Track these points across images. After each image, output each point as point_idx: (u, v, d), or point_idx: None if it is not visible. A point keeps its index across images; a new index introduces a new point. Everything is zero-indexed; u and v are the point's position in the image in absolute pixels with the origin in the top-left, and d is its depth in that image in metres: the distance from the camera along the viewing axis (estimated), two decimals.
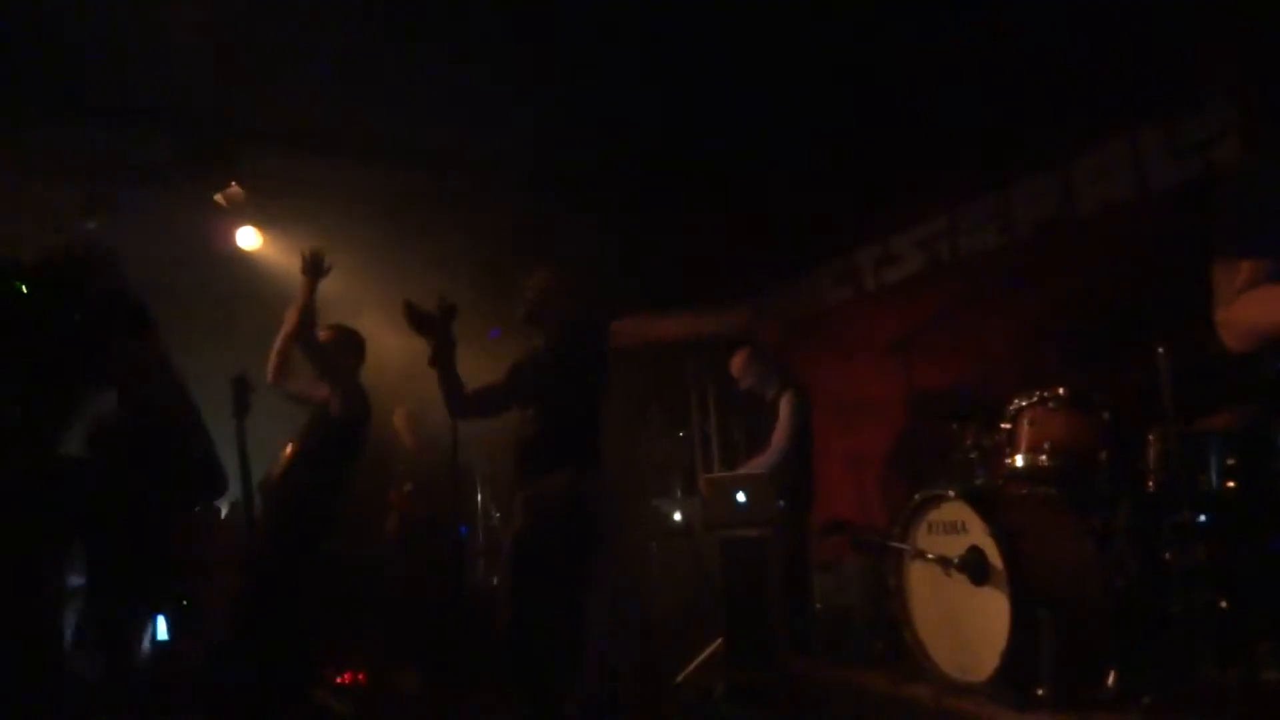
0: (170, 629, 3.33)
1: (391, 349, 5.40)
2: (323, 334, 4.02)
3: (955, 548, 3.26)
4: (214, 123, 5.65)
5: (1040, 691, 2.83)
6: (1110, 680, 2.78)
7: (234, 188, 5.92)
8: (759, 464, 4.80)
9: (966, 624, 3.21)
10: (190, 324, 5.81)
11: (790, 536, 4.66)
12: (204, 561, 3.90)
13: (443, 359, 3.32)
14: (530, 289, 3.51)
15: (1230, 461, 3.04)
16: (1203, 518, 2.87)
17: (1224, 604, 2.78)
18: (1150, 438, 3.15)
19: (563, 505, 3.19)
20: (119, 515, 1.51)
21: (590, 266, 6.45)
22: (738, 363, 5.23)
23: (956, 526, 3.31)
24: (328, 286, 6.30)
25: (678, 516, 6.36)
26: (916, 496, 3.51)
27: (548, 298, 3.47)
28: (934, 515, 3.44)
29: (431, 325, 3.30)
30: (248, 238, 6.18)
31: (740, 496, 4.49)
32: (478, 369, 3.60)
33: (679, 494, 6.51)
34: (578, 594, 3.18)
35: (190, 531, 4.00)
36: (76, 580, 2.52)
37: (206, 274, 6.49)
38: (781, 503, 4.66)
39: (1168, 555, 2.98)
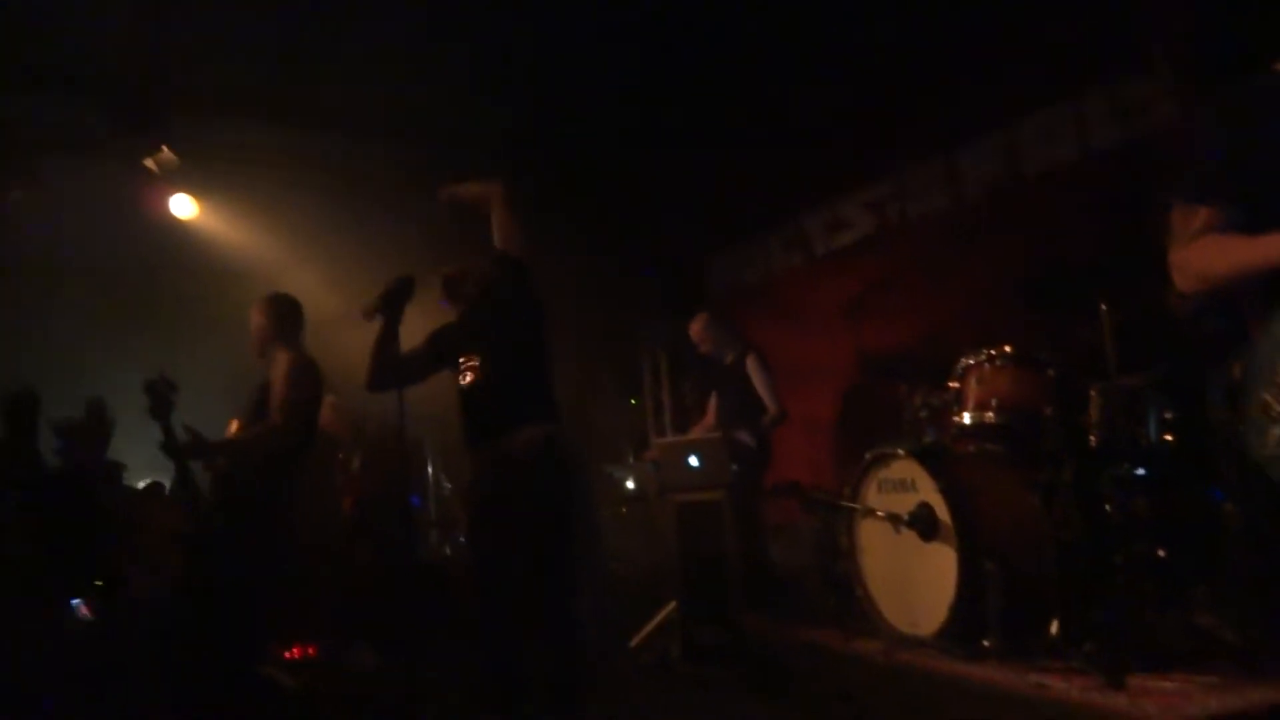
0: (95, 611, 3.22)
1: (329, 314, 5.32)
2: (262, 306, 3.87)
3: (905, 505, 3.31)
4: (143, 84, 5.40)
5: (987, 643, 2.90)
6: (1054, 629, 2.86)
7: (166, 152, 5.68)
8: (769, 420, 4.86)
9: (916, 580, 3.27)
10: (121, 295, 5.63)
11: (746, 498, 4.70)
12: (133, 543, 3.78)
13: (389, 333, 3.22)
14: (444, 277, 3.42)
15: (1168, 415, 3.13)
16: (1141, 471, 2.95)
17: (1161, 553, 2.87)
18: (1092, 393, 3.22)
19: (536, 460, 3.11)
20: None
21: (534, 235, 6.39)
22: (697, 327, 5.25)
23: (906, 484, 3.36)
24: (265, 253, 6.13)
25: (630, 484, 6.37)
26: (867, 456, 3.55)
27: (462, 280, 3.38)
28: (884, 474, 3.48)
29: (390, 303, 3.21)
30: (182, 205, 5.95)
31: (693, 460, 4.50)
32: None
33: (632, 460, 6.52)
34: (560, 553, 3.11)
35: (110, 517, 3.89)
36: None
37: (138, 244, 6.25)
38: (735, 465, 4.69)
39: (1109, 508, 3.06)
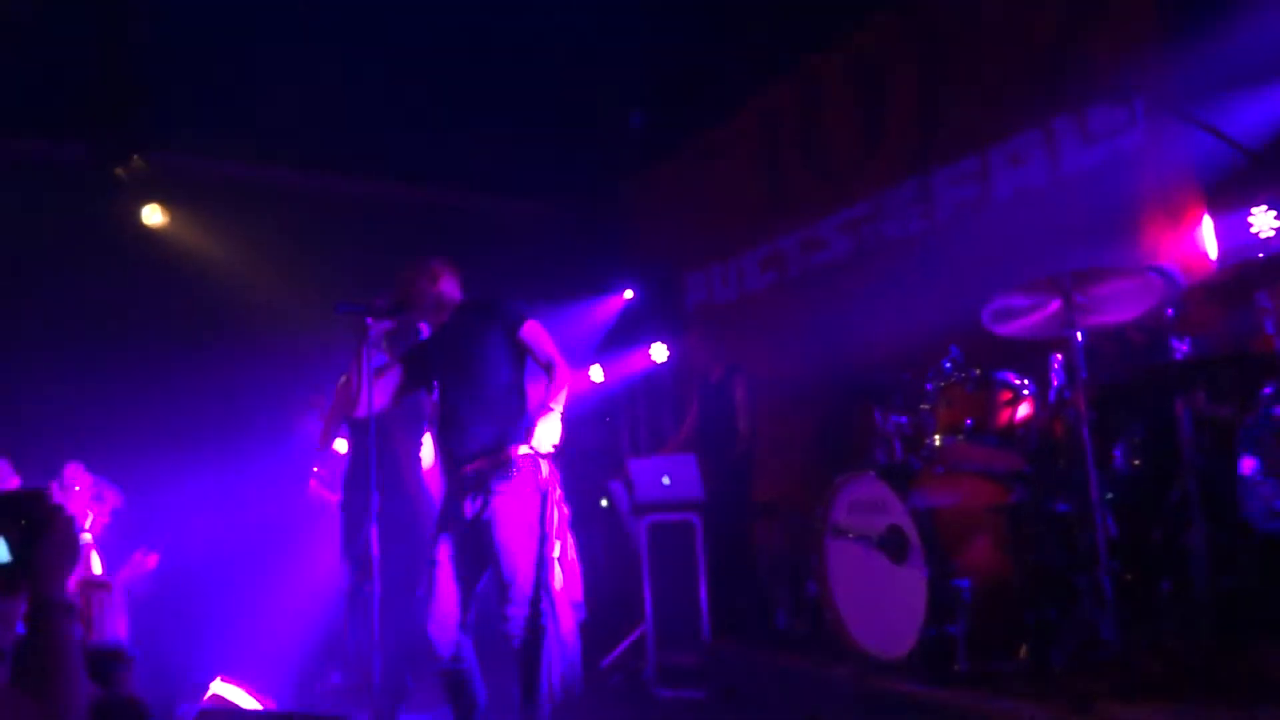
0: None
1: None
2: None
3: (875, 527, 3.30)
4: (115, 94, 5.34)
5: (956, 667, 2.88)
6: (1023, 653, 2.85)
7: (137, 161, 5.61)
8: (740, 450, 4.83)
9: (886, 602, 3.26)
10: (90, 303, 5.53)
11: (734, 517, 4.69)
12: None
13: (366, 359, 3.20)
14: (398, 281, 3.40)
15: (1136, 439, 3.15)
16: (1110, 494, 2.96)
17: (1129, 577, 2.87)
18: (1060, 416, 3.24)
19: (525, 479, 3.09)
20: None
21: (513, 258, 6.39)
22: (687, 344, 5.27)
23: (877, 506, 3.35)
24: (232, 270, 6.07)
25: (604, 502, 6.32)
26: (838, 477, 3.54)
27: (413, 282, 3.36)
28: (855, 495, 3.47)
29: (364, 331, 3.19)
30: (152, 215, 5.88)
31: (666, 480, 4.47)
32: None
33: (605, 478, 6.47)
34: (532, 576, 3.07)
35: None
36: None
37: (109, 252, 6.16)
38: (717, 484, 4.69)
39: (1076, 531, 3.07)
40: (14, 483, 2.67)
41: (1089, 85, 4.20)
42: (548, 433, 3.06)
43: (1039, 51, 4.45)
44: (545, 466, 3.18)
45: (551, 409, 3.09)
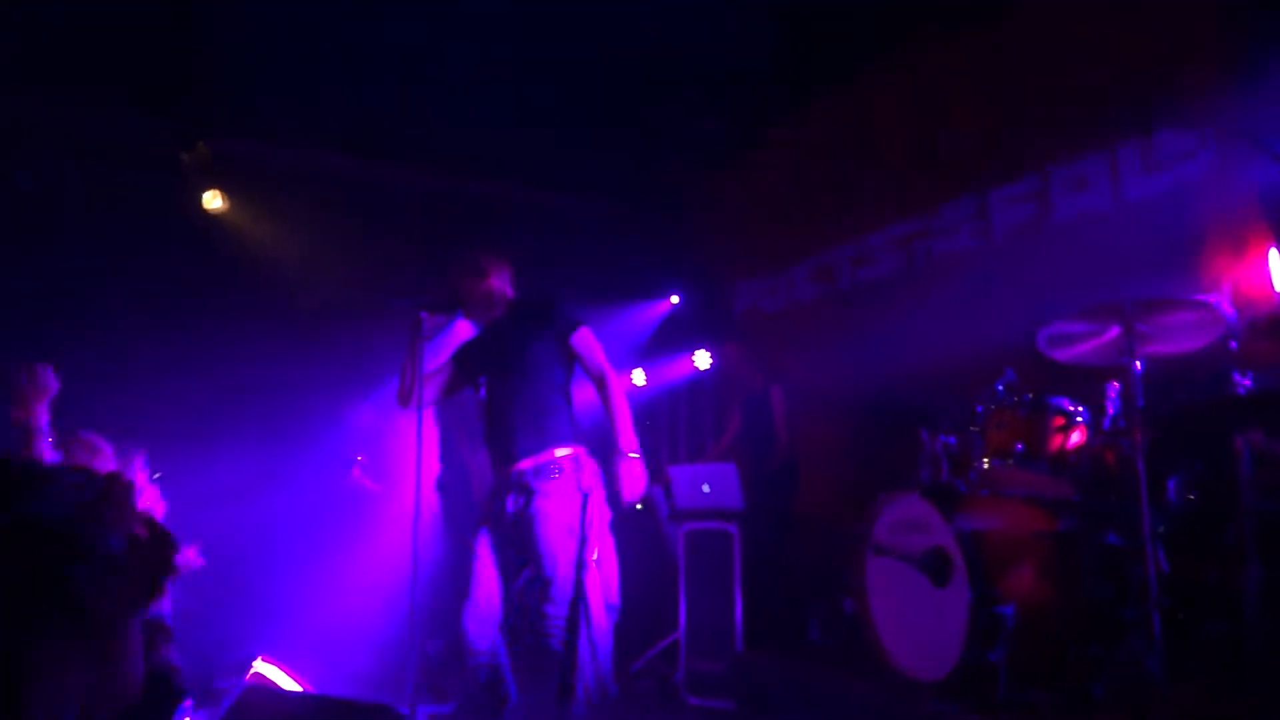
0: None
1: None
2: None
3: (918, 547, 3.26)
4: (184, 79, 5.47)
5: (995, 694, 2.84)
6: (1065, 685, 2.80)
7: (202, 148, 5.76)
8: (776, 461, 4.83)
9: (925, 623, 3.22)
10: (150, 287, 5.67)
11: (772, 529, 4.67)
12: None
13: (417, 350, 3.24)
14: (451, 276, 3.43)
15: (1192, 475, 3.08)
16: (1162, 528, 2.90)
17: (1180, 615, 2.81)
18: (1115, 446, 3.19)
19: (568, 481, 3.12)
20: None
21: (567, 261, 6.44)
22: (731, 351, 5.25)
23: (920, 526, 3.31)
24: (289, 258, 6.18)
25: (639, 506, 6.33)
26: (881, 495, 3.51)
27: (467, 278, 3.38)
28: (898, 514, 3.44)
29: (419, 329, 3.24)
30: (212, 200, 6.02)
31: (706, 488, 4.47)
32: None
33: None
34: (569, 578, 3.10)
35: None
36: None
37: (168, 236, 6.32)
38: (761, 496, 4.68)
39: (1126, 564, 3.01)
40: (112, 465, 2.74)
41: (1157, 111, 4.12)
42: (633, 481, 3.08)
43: (1107, 74, 4.38)
44: (587, 468, 3.19)
45: (630, 455, 3.11)
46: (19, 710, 0.91)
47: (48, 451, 2.61)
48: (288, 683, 3.54)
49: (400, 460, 5.45)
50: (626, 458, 3.10)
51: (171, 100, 5.62)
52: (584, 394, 3.33)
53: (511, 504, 3.17)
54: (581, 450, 3.16)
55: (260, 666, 3.58)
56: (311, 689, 3.59)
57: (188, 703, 3.36)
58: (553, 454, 3.14)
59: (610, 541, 3.24)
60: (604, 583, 3.17)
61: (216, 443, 5.39)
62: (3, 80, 5.09)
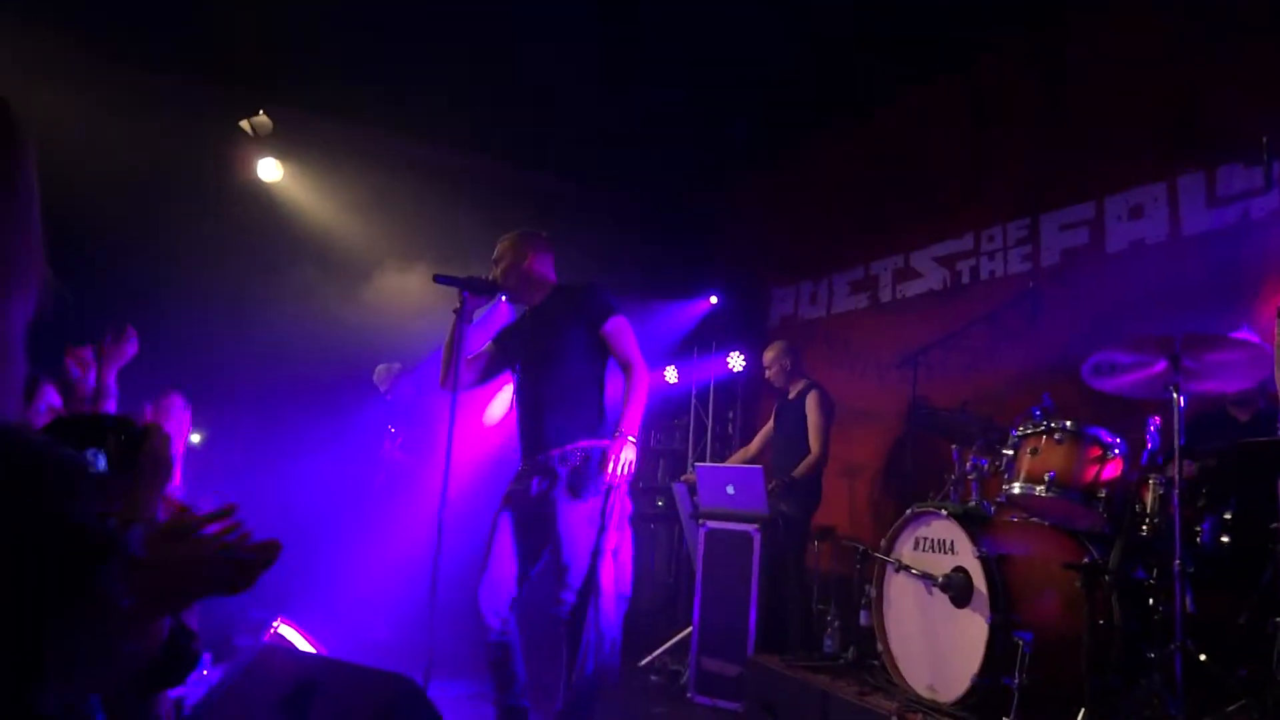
0: None
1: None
2: None
3: (940, 567, 3.24)
4: (249, 46, 5.56)
5: None
6: (1080, 717, 2.76)
7: (262, 116, 5.86)
8: (803, 469, 4.79)
9: (942, 644, 3.19)
10: (200, 251, 5.78)
11: (793, 536, 4.65)
12: None
13: (460, 332, 3.26)
14: (495, 256, 3.44)
15: (1227, 516, 3.02)
16: (1192, 569, 2.85)
17: (1203, 657, 2.76)
18: (1150, 481, 3.13)
19: (593, 469, 3.14)
20: None
21: (610, 254, 6.46)
22: (771, 354, 5.21)
23: (945, 545, 3.29)
24: (346, 230, 6.27)
25: (660, 503, 6.35)
26: (909, 511, 3.48)
27: (509, 261, 3.39)
28: (923, 532, 3.41)
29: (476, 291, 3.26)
30: (269, 169, 6.12)
31: (731, 489, 4.46)
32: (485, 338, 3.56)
33: (667, 479, 6.50)
34: (600, 560, 3.11)
35: None
36: None
37: (222, 201, 6.44)
38: (784, 505, 4.66)
39: (1152, 601, 2.96)
40: (186, 417, 2.79)
41: (1221, 143, 4.04)
42: (622, 461, 3.09)
43: (1171, 102, 4.30)
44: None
45: (627, 438, 3.12)
46: (37, 671, 0.94)
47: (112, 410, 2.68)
48: (305, 646, 3.60)
49: (436, 436, 5.52)
50: (623, 438, 3.11)
51: (233, 68, 5.72)
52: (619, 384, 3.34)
53: (536, 488, 3.20)
54: (609, 442, 3.17)
55: (280, 628, 3.66)
56: (327, 654, 3.65)
57: (206, 656, 3.43)
58: (580, 443, 3.16)
59: (629, 534, 3.25)
60: (619, 574, 3.18)
61: (254, 407, 5.49)
62: (65, 42, 5.21)
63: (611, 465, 3.08)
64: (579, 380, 3.24)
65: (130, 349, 2.72)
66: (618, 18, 5.06)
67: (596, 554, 3.11)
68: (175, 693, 2.26)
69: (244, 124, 5.93)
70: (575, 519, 3.10)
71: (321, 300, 6.05)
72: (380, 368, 5.95)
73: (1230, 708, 2.69)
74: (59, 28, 5.08)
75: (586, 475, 3.13)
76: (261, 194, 6.23)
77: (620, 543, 3.20)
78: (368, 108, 6.11)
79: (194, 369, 5.13)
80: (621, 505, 3.19)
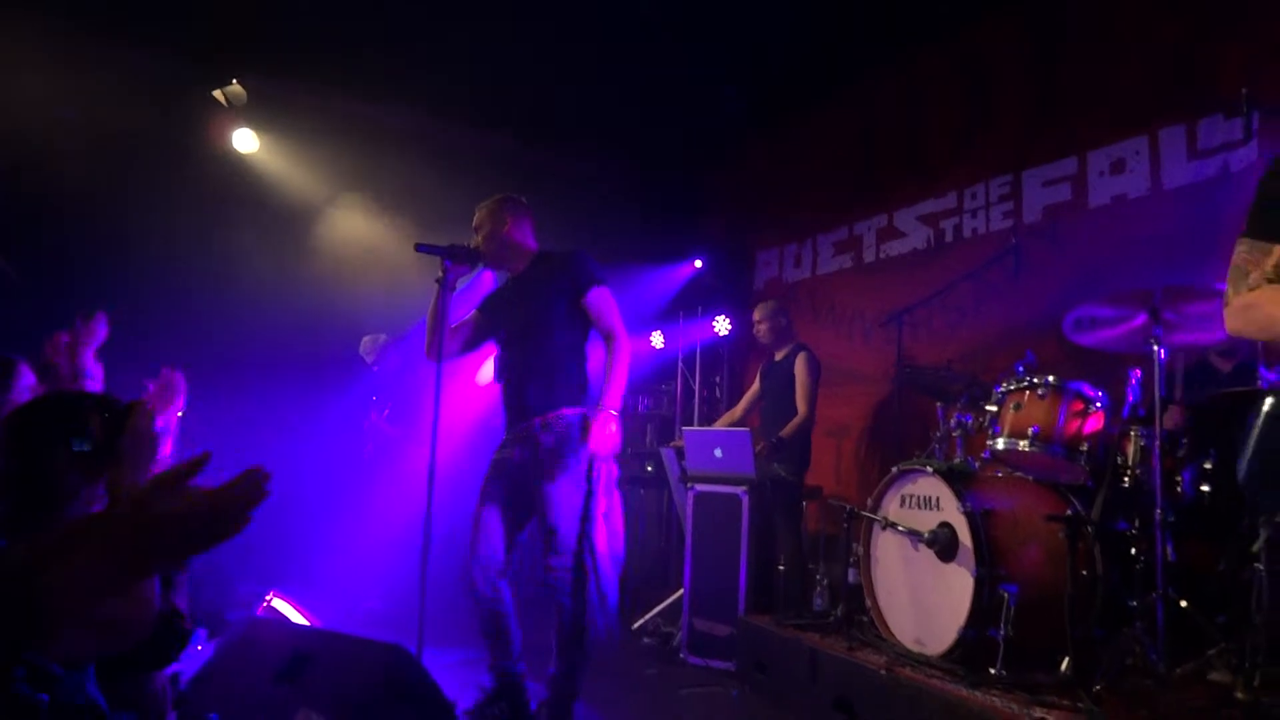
0: None
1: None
2: None
3: (926, 523, 3.28)
4: (220, 17, 5.44)
5: (993, 670, 2.87)
6: (1064, 666, 2.82)
7: (235, 85, 5.75)
8: (790, 429, 4.80)
9: (929, 598, 3.24)
10: (177, 224, 5.70)
11: (782, 496, 4.68)
12: None
13: (444, 302, 3.24)
14: (474, 224, 3.42)
15: (1207, 465, 3.07)
16: (1172, 518, 2.89)
17: (1184, 604, 2.82)
18: (1131, 433, 3.17)
19: (575, 436, 3.15)
20: None
21: (593, 219, 6.41)
22: (762, 311, 5.16)
23: (930, 502, 3.32)
24: (317, 193, 6.18)
25: (649, 468, 6.38)
26: (894, 469, 3.51)
27: (489, 228, 3.36)
28: (909, 489, 3.45)
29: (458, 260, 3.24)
30: (244, 140, 6.02)
31: (718, 452, 4.49)
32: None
33: (655, 444, 6.53)
34: (590, 525, 3.13)
35: None
36: None
37: (196, 173, 6.34)
38: (779, 465, 4.69)
39: (1134, 550, 3.01)
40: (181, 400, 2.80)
41: (1203, 96, 4.03)
42: (604, 436, 3.09)
43: (1152, 56, 4.28)
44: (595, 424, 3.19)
45: (609, 411, 3.11)
46: (44, 641, 0.95)
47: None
48: (298, 618, 3.62)
49: (425, 405, 5.51)
50: (605, 412, 3.12)
51: (207, 39, 5.60)
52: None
53: (519, 456, 3.20)
54: (590, 410, 3.17)
55: (272, 601, 3.67)
56: (320, 625, 3.67)
57: (201, 632, 3.44)
58: (561, 412, 3.16)
59: (618, 497, 3.27)
60: (610, 536, 3.20)
61: (240, 380, 5.46)
62: (45, 13, 5.08)
63: (593, 442, 3.09)
64: (561, 349, 3.23)
65: (100, 330, 2.72)
66: None
67: (587, 519, 3.12)
68: (170, 669, 2.27)
69: (217, 94, 5.82)
70: (560, 485, 3.11)
71: (304, 272, 5.99)
72: (366, 339, 5.93)
73: (1211, 651, 2.75)
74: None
75: (569, 442, 3.13)
76: (238, 165, 6.14)
77: (610, 507, 3.21)
78: (346, 76, 6.01)
79: (177, 343, 5.10)
80: (608, 470, 3.19)
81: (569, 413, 3.17)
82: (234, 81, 5.75)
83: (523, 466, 3.19)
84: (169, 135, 5.79)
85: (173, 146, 5.79)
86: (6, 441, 1.67)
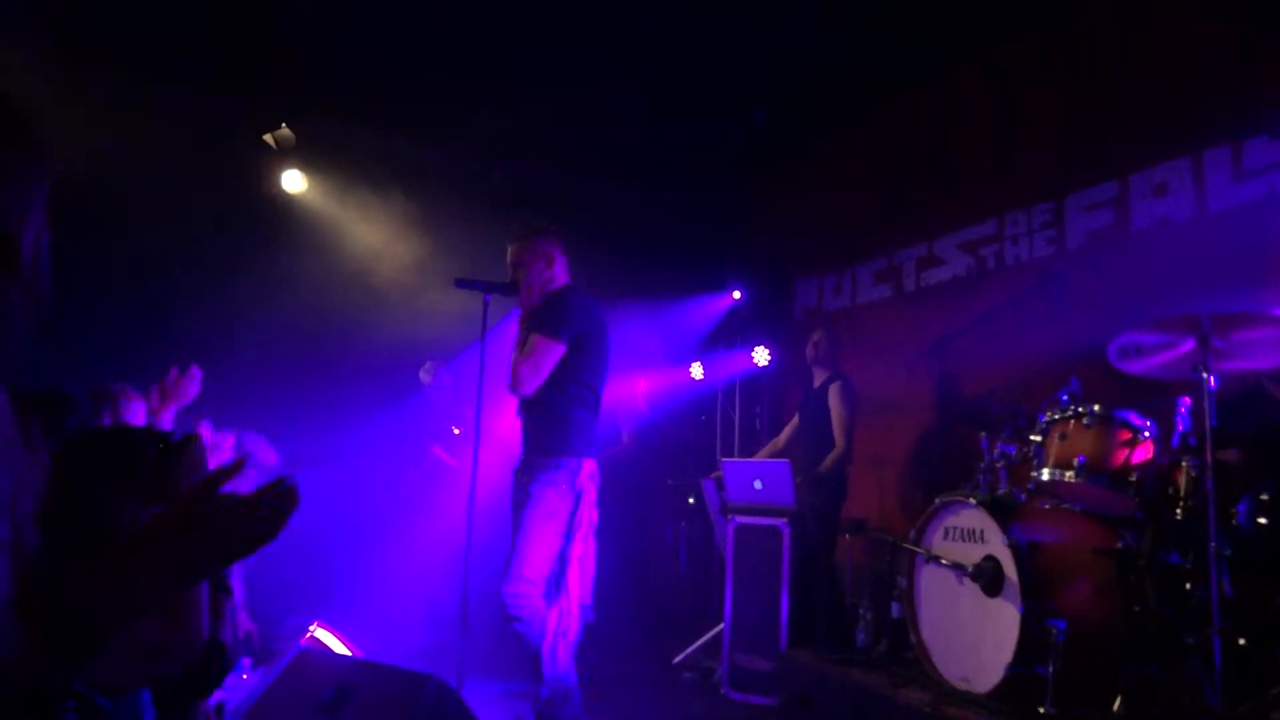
0: None
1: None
2: None
3: (971, 556, 3.22)
4: (270, 62, 5.63)
5: (1042, 710, 2.79)
6: (1116, 706, 2.73)
7: (285, 129, 5.94)
8: (828, 463, 4.76)
9: (974, 633, 3.17)
10: (227, 263, 5.87)
11: (823, 529, 4.63)
12: None
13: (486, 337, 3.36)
14: (508, 259, 3.49)
15: (1264, 497, 2.97)
16: (1229, 551, 2.80)
17: (1242, 641, 2.72)
18: (1183, 464, 3.08)
19: (561, 477, 3.24)
20: None
21: (632, 251, 6.46)
22: (817, 335, 5.18)
23: (974, 535, 3.26)
24: (368, 239, 6.33)
25: (691, 500, 6.36)
26: (937, 501, 3.46)
27: (518, 265, 3.42)
28: (952, 521, 3.39)
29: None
30: (292, 180, 6.20)
31: (758, 484, 4.46)
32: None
33: (696, 475, 6.50)
34: (565, 567, 3.19)
35: None
36: None
37: (247, 213, 6.53)
38: (815, 497, 4.65)
39: (1189, 585, 2.92)
40: (272, 458, 2.86)
41: (1247, 117, 3.96)
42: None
43: (1195, 77, 4.22)
44: (584, 469, 3.25)
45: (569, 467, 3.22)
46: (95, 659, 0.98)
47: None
48: (340, 649, 3.66)
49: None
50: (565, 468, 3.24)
51: (255, 82, 5.81)
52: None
53: (516, 484, 3.33)
54: (578, 455, 3.23)
55: (316, 631, 3.72)
56: (363, 656, 3.70)
57: (246, 661, 3.50)
58: (549, 453, 3.24)
59: (593, 545, 3.30)
60: (583, 582, 3.23)
61: (292, 415, 5.56)
62: (95, 56, 5.31)
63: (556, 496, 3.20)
64: (548, 389, 3.27)
65: (192, 389, 2.74)
66: (634, 9, 5.06)
67: (563, 560, 3.17)
68: (216, 697, 2.31)
69: (267, 138, 6.02)
70: (534, 518, 3.20)
71: (353, 307, 6.12)
72: (426, 365, 6.02)
73: (1273, 690, 2.64)
74: (83, 43, 5.19)
75: (555, 480, 3.22)
76: (286, 205, 6.32)
77: (585, 552, 3.25)
78: (389, 117, 6.17)
79: (225, 377, 5.22)
80: (589, 516, 3.24)
81: (556, 454, 3.28)
82: (283, 125, 5.93)
83: (517, 494, 3.33)
84: (220, 177, 5.99)
85: (223, 188, 5.98)
86: (65, 469, 1.74)
